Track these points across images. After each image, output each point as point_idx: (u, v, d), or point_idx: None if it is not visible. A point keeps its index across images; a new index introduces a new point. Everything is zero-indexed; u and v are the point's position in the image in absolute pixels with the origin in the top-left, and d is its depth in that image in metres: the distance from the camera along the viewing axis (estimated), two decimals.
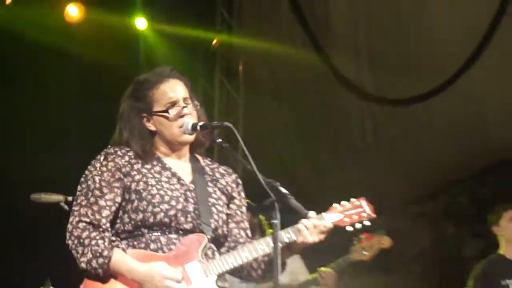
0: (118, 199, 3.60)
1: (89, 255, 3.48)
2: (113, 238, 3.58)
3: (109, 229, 3.58)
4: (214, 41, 9.26)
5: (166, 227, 3.58)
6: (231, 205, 3.82)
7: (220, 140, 3.67)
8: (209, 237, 3.63)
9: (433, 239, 9.06)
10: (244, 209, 3.87)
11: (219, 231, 3.69)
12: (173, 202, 3.60)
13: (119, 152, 3.67)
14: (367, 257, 6.02)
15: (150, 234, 3.57)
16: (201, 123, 3.68)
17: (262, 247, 3.62)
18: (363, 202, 3.81)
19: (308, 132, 8.89)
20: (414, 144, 8.34)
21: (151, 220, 3.56)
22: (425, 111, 8.11)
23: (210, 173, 3.82)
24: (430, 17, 7.86)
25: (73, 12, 8.24)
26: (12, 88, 8.01)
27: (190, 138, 3.71)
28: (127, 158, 3.66)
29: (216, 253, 3.67)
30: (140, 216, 3.56)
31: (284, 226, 3.53)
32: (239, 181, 3.89)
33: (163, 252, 3.56)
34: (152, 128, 3.72)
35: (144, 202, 3.57)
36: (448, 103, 7.91)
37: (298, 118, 8.91)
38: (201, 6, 8.94)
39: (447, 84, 7.69)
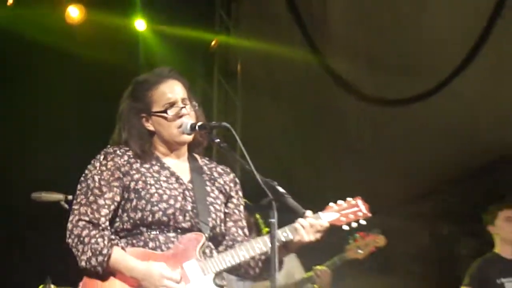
0: (117, 198, 3.62)
1: (89, 253, 3.50)
2: (113, 237, 3.59)
3: (109, 228, 3.60)
4: (213, 42, 9.25)
5: (164, 226, 3.60)
6: (229, 204, 3.84)
7: (219, 140, 3.68)
8: (207, 235, 3.64)
9: (429, 239, 9.05)
10: (241, 208, 3.89)
11: (217, 229, 3.70)
12: (172, 201, 3.62)
13: (118, 152, 3.68)
14: (362, 256, 6.03)
15: (149, 233, 3.59)
16: (199, 123, 3.69)
17: (260, 245, 3.64)
18: (359, 201, 3.83)
19: (306, 132, 8.88)
20: (411, 144, 8.33)
21: (149, 218, 3.58)
22: (422, 112, 8.09)
23: (208, 172, 3.83)
24: (428, 17, 7.84)
25: (74, 13, 8.25)
26: (13, 88, 8.01)
27: (189, 138, 3.73)
28: (126, 157, 3.68)
29: (214, 252, 3.68)
30: (139, 214, 3.58)
31: (281, 225, 3.53)
32: (237, 180, 3.91)
33: (162, 250, 3.57)
34: (151, 128, 3.74)
35: (143, 201, 3.59)
36: (444, 104, 7.89)
37: (296, 118, 8.90)
38: (200, 8, 8.92)
39: (443, 85, 7.68)
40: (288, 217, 3.63)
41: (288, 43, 8.48)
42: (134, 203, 3.60)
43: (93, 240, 3.52)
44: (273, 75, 8.98)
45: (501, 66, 7.63)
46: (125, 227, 3.62)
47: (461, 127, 8.09)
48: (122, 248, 3.57)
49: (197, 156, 3.87)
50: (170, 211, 3.60)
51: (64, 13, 8.24)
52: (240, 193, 3.90)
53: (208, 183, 3.79)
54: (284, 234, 3.65)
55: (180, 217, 3.62)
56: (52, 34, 7.85)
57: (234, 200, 3.86)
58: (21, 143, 7.99)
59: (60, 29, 8.06)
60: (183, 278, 3.55)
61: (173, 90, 3.74)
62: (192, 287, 3.55)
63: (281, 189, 3.48)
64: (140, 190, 3.61)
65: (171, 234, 3.61)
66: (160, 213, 3.59)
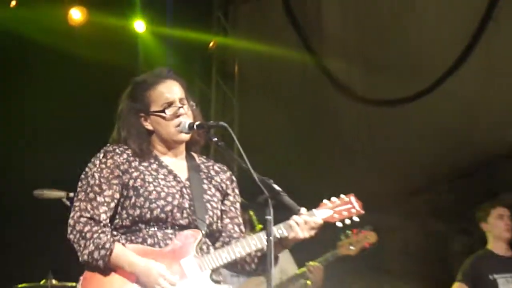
0: (117, 196, 3.66)
1: (91, 247, 3.54)
2: (114, 233, 3.65)
3: (109, 225, 3.65)
4: (211, 44, 9.27)
5: (162, 223, 3.64)
6: (226, 201, 3.87)
7: (216, 138, 3.72)
8: (204, 232, 3.68)
9: (423, 236, 9.02)
10: (238, 205, 3.92)
11: (214, 226, 3.75)
12: (169, 198, 3.66)
13: (117, 150, 3.72)
14: (354, 252, 6.00)
15: (147, 229, 3.63)
16: (197, 123, 3.73)
17: (255, 242, 3.67)
18: (352, 198, 3.85)
19: (302, 132, 8.88)
20: (406, 143, 8.33)
21: (148, 215, 3.62)
22: (416, 111, 8.10)
23: (205, 170, 3.87)
24: (422, 18, 7.86)
25: (76, 15, 8.30)
26: (15, 88, 8.04)
27: (186, 137, 3.77)
28: (125, 156, 3.72)
29: (211, 248, 3.72)
30: (138, 211, 3.62)
31: (276, 222, 3.57)
32: (234, 178, 3.94)
33: (160, 246, 3.62)
34: (149, 127, 3.78)
35: (141, 198, 3.63)
36: (438, 103, 7.91)
37: (292, 118, 8.89)
38: (198, 9, 8.93)
39: (436, 85, 7.70)
40: (283, 214, 3.67)
41: (285, 44, 8.49)
42: (132, 200, 3.64)
43: (95, 235, 3.56)
44: (270, 76, 8.97)
45: (494, 66, 7.65)
46: (124, 224, 3.66)
47: (455, 127, 8.10)
48: (123, 244, 3.61)
49: (194, 154, 3.90)
50: (168, 208, 3.64)
51: (67, 15, 8.28)
52: (237, 191, 3.93)
53: (205, 181, 3.83)
54: (279, 231, 3.68)
55: (178, 214, 3.66)
56: (53, 35, 7.87)
57: (231, 198, 3.89)
58: (22, 143, 7.99)
59: (61, 30, 8.09)
60: (181, 274, 3.59)
61: (171, 90, 3.78)
62: (189, 283, 3.59)
63: (277, 187, 3.53)
64: (139, 187, 3.65)
65: (169, 231, 3.65)
66: (158, 210, 3.63)
